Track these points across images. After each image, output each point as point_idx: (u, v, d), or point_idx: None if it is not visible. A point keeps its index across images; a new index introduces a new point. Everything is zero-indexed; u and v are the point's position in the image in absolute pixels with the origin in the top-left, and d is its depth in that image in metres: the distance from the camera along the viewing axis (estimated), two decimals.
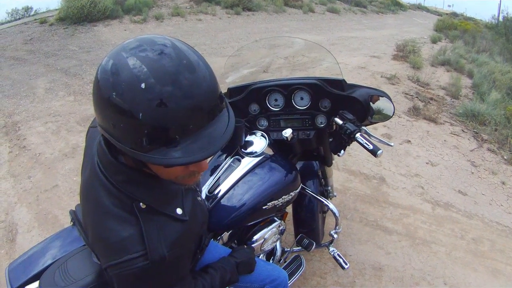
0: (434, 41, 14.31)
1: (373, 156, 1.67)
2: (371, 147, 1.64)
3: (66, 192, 3.80)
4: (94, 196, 1.06)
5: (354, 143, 1.77)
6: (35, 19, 12.31)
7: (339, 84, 1.89)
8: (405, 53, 9.89)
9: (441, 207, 3.68)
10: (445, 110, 6.27)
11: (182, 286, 1.16)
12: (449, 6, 55.26)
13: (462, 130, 5.55)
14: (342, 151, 1.91)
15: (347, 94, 1.88)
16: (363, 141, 1.67)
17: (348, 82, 1.91)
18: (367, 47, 11.19)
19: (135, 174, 1.03)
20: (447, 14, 36.16)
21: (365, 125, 1.92)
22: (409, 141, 5.02)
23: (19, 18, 13.82)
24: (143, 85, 0.78)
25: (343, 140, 1.80)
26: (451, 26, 19.41)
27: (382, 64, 8.85)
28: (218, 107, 0.92)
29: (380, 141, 1.79)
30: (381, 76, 7.58)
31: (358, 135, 1.71)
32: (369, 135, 1.77)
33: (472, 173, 4.42)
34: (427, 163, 4.50)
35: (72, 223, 1.42)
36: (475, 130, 5.56)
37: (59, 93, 6.57)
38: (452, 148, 4.96)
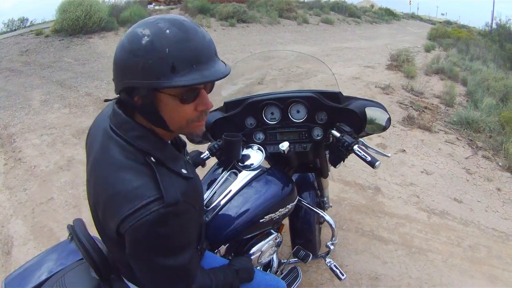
0: (427, 49, 14.41)
1: (369, 167, 1.68)
2: (369, 158, 1.65)
3: (61, 205, 3.79)
4: (106, 159, 1.12)
5: (351, 155, 1.78)
6: (31, 31, 12.28)
7: (336, 96, 1.91)
8: (399, 62, 9.96)
9: (437, 215, 3.69)
10: (440, 119, 6.29)
11: (190, 254, 1.19)
12: (442, 14, 55.57)
13: (457, 138, 5.58)
14: (342, 162, 1.93)
15: (343, 107, 1.90)
16: (361, 153, 1.68)
17: (343, 94, 1.92)
18: (361, 58, 11.27)
19: (147, 132, 1.13)
20: (440, 22, 36.41)
21: (362, 137, 1.94)
22: (404, 150, 5.04)
23: (15, 29, 13.79)
24: (167, 31, 1.01)
25: (340, 152, 1.80)
26: (445, 34, 19.55)
27: (376, 74, 8.92)
28: (216, 53, 1.12)
29: (377, 152, 1.80)
30: (375, 86, 7.64)
31: (356, 147, 1.71)
32: (366, 146, 1.79)
33: (467, 180, 4.44)
34: (422, 172, 4.52)
35: (70, 237, 1.42)
36: (469, 138, 5.59)
37: (54, 105, 6.56)
38: (447, 156, 4.99)
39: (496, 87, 8.57)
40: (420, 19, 42.64)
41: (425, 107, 6.73)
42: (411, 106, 6.62)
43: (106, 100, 1.30)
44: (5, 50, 10.23)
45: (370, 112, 1.88)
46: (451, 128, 5.93)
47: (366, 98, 1.97)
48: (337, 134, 1.81)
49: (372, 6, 35.06)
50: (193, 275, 1.23)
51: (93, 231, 1.33)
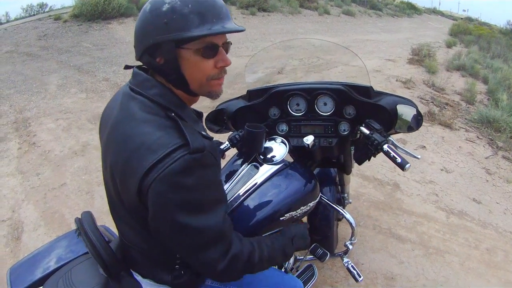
0: (449, 45, 14.17)
1: (388, 162, 1.59)
2: (399, 160, 1.55)
3: (74, 191, 3.78)
4: (127, 117, 1.12)
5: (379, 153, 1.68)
6: (50, 16, 12.34)
7: (366, 91, 1.81)
8: (420, 57, 9.78)
9: (455, 216, 3.59)
10: (460, 116, 6.15)
11: (223, 213, 1.14)
12: (464, 10, 54.86)
13: (477, 137, 5.45)
14: (367, 160, 1.84)
15: (373, 102, 1.80)
16: (391, 153, 1.58)
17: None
18: (382, 51, 11.11)
19: (168, 91, 1.15)
20: (462, 18, 35.91)
21: (390, 135, 1.83)
22: (424, 146, 4.93)
23: (34, 14, 13.87)
24: None
25: (368, 150, 1.70)
26: (466, 31, 19.25)
27: (397, 68, 8.76)
28: (229, 14, 1.17)
29: (407, 153, 1.68)
30: (397, 80, 7.49)
31: (385, 146, 1.61)
32: (396, 146, 1.67)
33: (487, 181, 4.32)
34: (441, 170, 4.40)
35: (77, 232, 1.36)
36: (490, 137, 5.45)
37: (71, 90, 6.59)
38: (467, 155, 4.86)
39: None
40: (442, 14, 42.09)
41: (446, 104, 6.58)
42: (432, 102, 6.48)
43: (126, 67, 1.31)
44: (23, 35, 10.30)
45: (402, 110, 1.76)
46: (471, 126, 5.79)
47: (398, 94, 1.86)
48: (366, 131, 1.70)
49: None
50: (229, 238, 1.16)
51: (102, 222, 1.28)
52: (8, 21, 13.27)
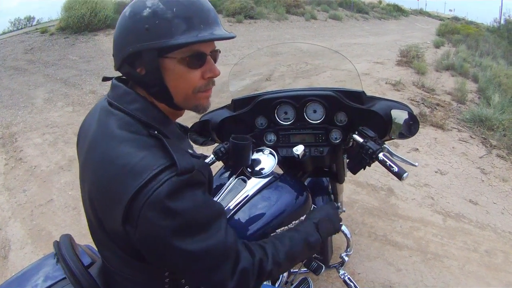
0: (437, 45, 14.23)
1: (382, 167, 1.51)
2: (396, 169, 1.44)
3: (61, 207, 3.69)
4: (105, 136, 1.02)
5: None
6: (36, 29, 12.29)
7: (358, 96, 1.73)
8: (409, 58, 9.78)
9: (452, 218, 3.53)
10: (452, 116, 6.11)
11: (224, 227, 1.06)
12: (450, 10, 55.19)
13: (470, 136, 5.41)
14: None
15: (366, 108, 1.72)
16: (387, 162, 1.48)
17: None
18: (370, 54, 11.10)
19: (150, 105, 1.06)
20: (448, 18, 36.20)
21: (385, 141, 1.75)
22: (417, 149, 4.87)
23: (21, 28, 13.79)
24: None
25: (363, 159, 1.60)
26: (454, 30, 19.37)
27: (386, 70, 8.72)
28: (217, 19, 1.09)
29: (403, 160, 1.60)
30: (386, 83, 7.44)
31: (381, 155, 1.51)
32: (391, 154, 1.58)
33: (483, 181, 4.27)
34: (436, 172, 4.35)
35: (55, 258, 1.28)
36: (483, 136, 5.41)
37: (57, 104, 6.50)
38: (461, 156, 4.81)
39: (508, 84, 8.40)
40: (428, 15, 42.41)
41: (437, 104, 6.55)
42: (423, 103, 6.44)
43: (104, 79, 1.19)
44: (9, 49, 10.21)
45: (396, 115, 1.68)
46: (464, 126, 5.75)
47: (392, 99, 1.78)
48: (360, 139, 1.62)
49: (380, 2, 34.72)
50: (235, 252, 1.06)
51: (88, 239, 1.20)
52: None
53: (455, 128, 5.65)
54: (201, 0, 1.04)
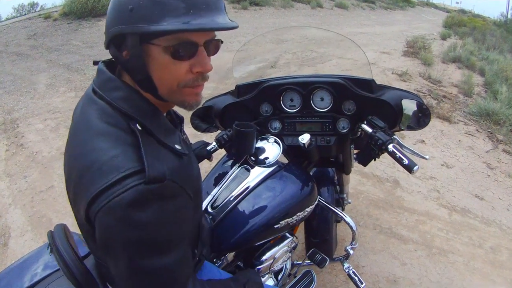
0: (443, 37, 14.10)
1: (388, 157, 1.45)
2: (406, 161, 1.40)
3: (61, 194, 3.64)
4: (83, 125, 0.94)
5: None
6: (40, 15, 12.18)
7: (368, 84, 1.67)
8: (415, 49, 9.68)
9: (458, 213, 3.48)
10: (459, 109, 6.05)
11: (180, 255, 0.94)
12: (457, 3, 54.92)
13: (477, 130, 5.35)
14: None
15: (376, 97, 1.65)
16: (397, 154, 1.43)
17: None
18: (376, 43, 10.98)
19: (134, 94, 0.96)
20: (455, 11, 35.98)
21: (395, 132, 1.69)
22: (423, 141, 4.81)
23: (25, 14, 13.72)
24: None
25: (372, 151, 1.56)
26: (460, 23, 19.20)
27: (392, 61, 8.63)
28: (222, 5, 0.96)
29: (414, 153, 1.54)
30: (392, 73, 7.36)
31: (390, 146, 1.46)
32: (401, 146, 1.52)
33: (489, 175, 4.22)
34: (442, 165, 4.30)
35: (49, 249, 1.23)
36: (489, 130, 5.35)
37: (60, 89, 6.44)
38: (467, 149, 4.76)
39: None
40: (435, 6, 42.08)
41: (444, 96, 6.48)
42: (429, 95, 6.37)
43: (94, 63, 1.10)
44: (12, 35, 10.14)
45: (407, 105, 1.62)
46: (470, 119, 5.69)
47: (402, 88, 1.71)
48: (369, 129, 1.56)
49: None
50: (181, 284, 0.96)
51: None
52: None
53: (461, 121, 5.59)
54: None
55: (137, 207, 0.81)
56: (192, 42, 0.91)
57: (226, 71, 6.38)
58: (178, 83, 0.94)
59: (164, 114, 1.06)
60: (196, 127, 1.92)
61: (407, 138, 4.81)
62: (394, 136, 1.53)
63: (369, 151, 1.57)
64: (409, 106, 1.61)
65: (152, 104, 0.99)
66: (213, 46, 0.98)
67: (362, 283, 1.99)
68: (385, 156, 1.49)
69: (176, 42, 0.88)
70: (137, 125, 0.91)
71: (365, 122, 1.60)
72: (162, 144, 0.93)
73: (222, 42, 1.02)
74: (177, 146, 0.97)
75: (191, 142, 1.71)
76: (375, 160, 1.62)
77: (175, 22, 0.84)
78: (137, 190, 0.80)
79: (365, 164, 1.69)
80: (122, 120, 0.91)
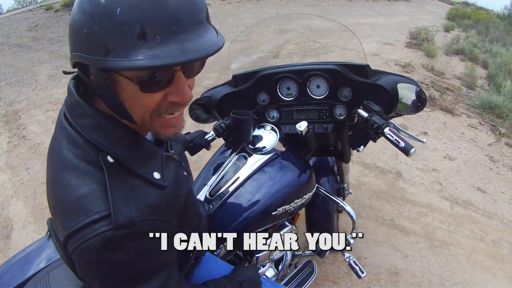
0: (447, 29, 13.99)
1: (390, 148, 1.44)
2: (402, 144, 1.38)
3: None
4: (55, 155, 0.87)
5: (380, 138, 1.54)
6: (41, 6, 12.15)
7: (363, 70, 1.65)
8: (418, 41, 9.62)
9: (460, 206, 3.48)
10: (461, 101, 6.00)
11: (164, 278, 0.91)
12: None
13: (480, 123, 5.31)
14: (362, 147, 1.70)
15: (371, 82, 1.64)
16: (393, 137, 1.41)
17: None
18: (379, 34, 10.91)
19: (105, 121, 0.86)
20: (458, 3, 35.70)
21: (391, 117, 1.68)
22: (426, 132, 4.80)
23: (26, 5, 13.70)
24: None
25: (368, 135, 1.55)
26: (464, 15, 19.07)
27: (395, 52, 8.58)
28: (200, 18, 0.78)
29: (411, 136, 1.53)
30: (395, 64, 7.32)
31: (386, 129, 1.45)
32: (398, 129, 1.52)
33: (491, 168, 4.20)
34: (444, 157, 4.28)
35: (48, 234, 1.23)
36: (492, 123, 5.32)
37: (62, 80, 6.45)
38: (469, 142, 4.73)
39: None
40: None
41: (447, 88, 6.43)
42: (432, 86, 6.33)
43: (65, 72, 0.99)
44: (14, 26, 10.11)
45: (403, 90, 1.60)
46: (473, 112, 5.66)
47: (398, 73, 1.70)
48: (365, 114, 1.55)
49: None
50: None
51: None
52: (0, 13, 13.11)
53: (464, 113, 5.56)
54: None
55: (108, 250, 0.78)
56: (166, 72, 0.78)
57: (228, 61, 6.29)
58: (152, 113, 0.84)
59: (147, 135, 0.99)
60: (195, 118, 1.92)
61: (410, 129, 4.80)
62: (390, 120, 1.53)
63: (364, 134, 1.59)
64: (405, 91, 1.60)
65: (130, 131, 0.89)
66: (197, 65, 0.86)
67: (363, 273, 1.99)
68: (387, 148, 1.48)
69: (144, 73, 0.76)
70: (109, 157, 0.83)
71: (361, 107, 1.60)
72: (136, 175, 0.87)
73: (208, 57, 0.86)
74: (156, 175, 0.90)
75: (186, 138, 1.71)
76: (365, 145, 1.64)
77: (136, 54, 0.70)
78: (105, 236, 0.76)
79: (354, 147, 1.71)
80: (92, 152, 0.83)
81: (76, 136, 0.84)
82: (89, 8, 0.72)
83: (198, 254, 1.33)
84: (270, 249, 1.68)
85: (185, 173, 1.10)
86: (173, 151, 1.09)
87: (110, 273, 0.82)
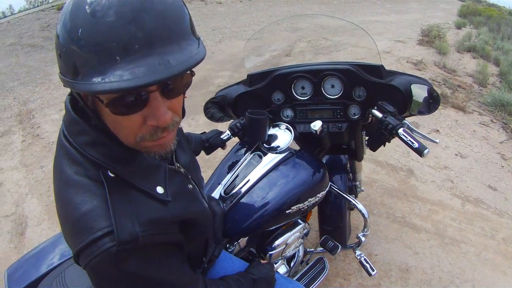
0: (458, 26, 13.88)
1: (401, 146, 1.46)
2: (416, 145, 1.40)
3: None
4: (58, 173, 0.88)
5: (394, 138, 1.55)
6: (52, 6, 12.27)
7: (377, 70, 1.67)
8: (430, 38, 9.54)
9: (471, 203, 3.46)
10: (473, 99, 5.96)
11: (181, 278, 0.94)
12: None
13: (491, 121, 5.27)
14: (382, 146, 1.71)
15: (385, 82, 1.66)
16: (407, 138, 1.43)
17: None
18: (391, 32, 10.85)
19: (103, 137, 0.85)
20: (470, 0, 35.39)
21: (405, 118, 1.69)
22: (438, 130, 4.77)
23: (37, 6, 13.81)
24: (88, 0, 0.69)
25: (382, 135, 1.56)
26: (475, 12, 18.89)
27: (407, 49, 8.53)
28: (176, 32, 0.74)
29: (424, 137, 1.55)
30: (407, 62, 7.28)
31: (401, 130, 1.47)
32: (411, 130, 1.53)
33: (502, 166, 4.17)
34: (456, 155, 4.26)
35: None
36: (504, 121, 5.27)
37: None
38: (481, 139, 4.70)
39: None
40: None
41: (459, 86, 6.40)
42: (444, 84, 6.29)
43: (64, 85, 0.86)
44: (26, 26, 10.22)
45: (416, 90, 1.61)
46: (485, 110, 5.61)
47: (411, 74, 1.71)
48: (379, 114, 1.56)
49: None
50: None
51: None
52: (12, 14, 13.23)
53: (476, 111, 5.52)
54: (134, 7, 0.69)
55: (119, 264, 0.79)
56: (137, 94, 0.74)
57: (241, 60, 6.28)
58: (135, 137, 0.82)
59: None
60: (210, 117, 1.94)
61: (421, 127, 4.78)
62: (404, 121, 1.54)
63: (379, 136, 1.59)
64: (418, 91, 1.61)
65: (128, 146, 0.86)
66: (177, 86, 0.81)
67: (373, 271, 2.01)
68: (399, 145, 1.50)
69: (113, 97, 0.73)
70: (109, 172, 0.84)
71: (376, 108, 1.61)
72: (138, 189, 0.87)
73: (193, 74, 0.86)
74: (159, 190, 0.90)
75: (202, 138, 1.72)
76: (384, 145, 1.64)
77: (101, 77, 0.68)
78: (110, 252, 0.77)
79: (374, 149, 1.71)
80: (92, 168, 0.83)
81: (75, 153, 0.84)
82: (60, 30, 0.73)
83: (211, 257, 1.35)
84: (283, 246, 1.71)
85: (190, 186, 1.07)
86: (178, 164, 1.07)
87: (130, 282, 0.84)
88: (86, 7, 0.68)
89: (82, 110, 0.85)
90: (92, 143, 0.84)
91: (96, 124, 0.84)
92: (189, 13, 0.81)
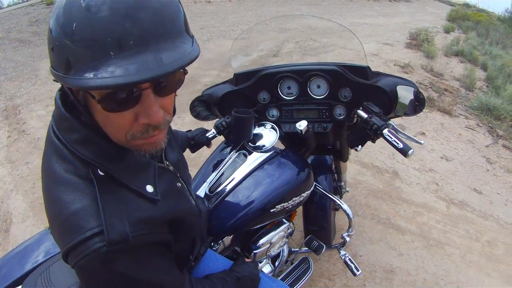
0: (447, 31, 13.99)
1: (387, 148, 1.47)
2: (401, 145, 1.42)
3: None
4: (47, 170, 0.86)
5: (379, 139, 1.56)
6: (42, 1, 12.13)
7: (363, 71, 1.68)
8: (418, 41, 9.61)
9: (456, 206, 3.50)
10: (460, 102, 6.02)
11: (169, 280, 0.94)
12: None
13: (477, 124, 5.34)
14: (360, 146, 1.72)
15: (371, 83, 1.67)
16: (392, 138, 1.45)
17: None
18: (379, 34, 10.91)
19: (93, 135, 0.84)
20: (459, 4, 35.70)
21: (390, 119, 1.71)
22: (423, 133, 4.82)
23: (27, 0, 13.67)
24: None
25: (367, 135, 1.57)
26: (464, 16, 19.06)
27: (395, 52, 8.58)
28: (170, 29, 0.74)
29: (409, 137, 1.56)
30: (394, 64, 7.32)
31: (386, 131, 1.48)
32: (396, 131, 1.54)
33: (488, 170, 4.22)
34: (441, 158, 4.30)
35: (50, 229, 1.26)
36: (490, 125, 5.33)
37: None
38: (467, 143, 4.76)
39: None
40: None
41: (445, 89, 6.44)
42: (431, 87, 6.34)
43: (55, 80, 0.83)
44: (14, 21, 10.09)
45: (402, 92, 1.63)
46: (471, 113, 5.67)
47: (397, 75, 1.73)
48: (364, 115, 1.58)
49: None
50: None
51: None
52: (1, 8, 13.09)
53: (462, 114, 5.58)
54: (127, 4, 0.68)
55: (108, 265, 0.79)
56: (129, 90, 0.74)
57: (228, 59, 6.27)
58: (126, 135, 0.81)
59: None
60: (196, 115, 1.94)
61: (407, 129, 4.82)
62: (389, 122, 1.55)
63: (362, 134, 1.60)
64: (404, 93, 1.63)
65: (118, 144, 0.86)
66: (170, 83, 0.81)
67: (358, 270, 2.02)
68: (384, 147, 1.51)
69: (105, 93, 0.73)
70: (99, 171, 0.83)
71: (361, 108, 1.62)
72: (127, 188, 0.86)
73: (186, 72, 0.85)
74: (149, 188, 0.90)
75: (187, 136, 1.72)
76: (363, 145, 1.66)
77: (91, 72, 0.67)
78: (100, 253, 0.76)
79: (352, 146, 1.73)
80: (81, 166, 0.83)
81: (65, 150, 0.83)
82: (52, 24, 0.72)
83: (197, 255, 1.35)
84: (267, 245, 1.71)
85: (178, 184, 1.07)
86: (167, 162, 1.07)
87: (118, 284, 0.83)
88: (81, 1, 0.67)
89: (72, 106, 0.84)
90: (82, 141, 0.83)
91: (86, 121, 0.83)
92: (183, 11, 0.80)
